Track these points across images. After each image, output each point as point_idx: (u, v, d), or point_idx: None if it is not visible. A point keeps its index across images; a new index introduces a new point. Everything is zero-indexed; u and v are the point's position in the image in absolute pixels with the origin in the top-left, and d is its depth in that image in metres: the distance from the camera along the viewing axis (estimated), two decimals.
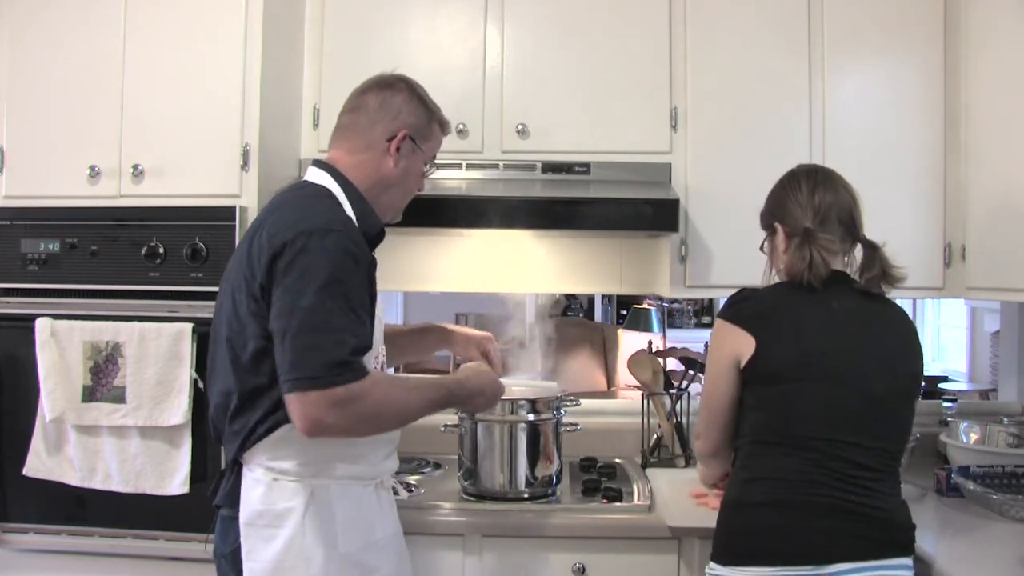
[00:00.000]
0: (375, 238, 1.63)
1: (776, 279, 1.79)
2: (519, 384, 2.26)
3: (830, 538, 1.54)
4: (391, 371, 2.20)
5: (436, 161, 1.78)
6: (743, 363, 1.64)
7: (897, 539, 1.59)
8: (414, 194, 1.77)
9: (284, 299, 1.43)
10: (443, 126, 1.77)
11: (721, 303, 1.77)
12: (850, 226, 1.73)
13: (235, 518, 1.54)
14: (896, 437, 1.66)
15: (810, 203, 1.71)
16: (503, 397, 2.14)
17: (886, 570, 1.54)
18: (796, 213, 1.72)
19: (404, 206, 1.76)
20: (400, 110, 1.67)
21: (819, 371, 1.61)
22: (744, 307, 1.70)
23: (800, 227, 1.70)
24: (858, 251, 1.74)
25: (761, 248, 1.85)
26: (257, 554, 1.52)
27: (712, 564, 1.64)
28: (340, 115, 1.72)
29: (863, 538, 1.55)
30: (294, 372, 1.39)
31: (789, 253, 1.71)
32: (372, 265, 1.55)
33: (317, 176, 1.63)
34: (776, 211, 1.78)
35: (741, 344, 1.65)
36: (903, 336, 1.71)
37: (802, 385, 1.60)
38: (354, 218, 1.58)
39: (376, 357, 1.64)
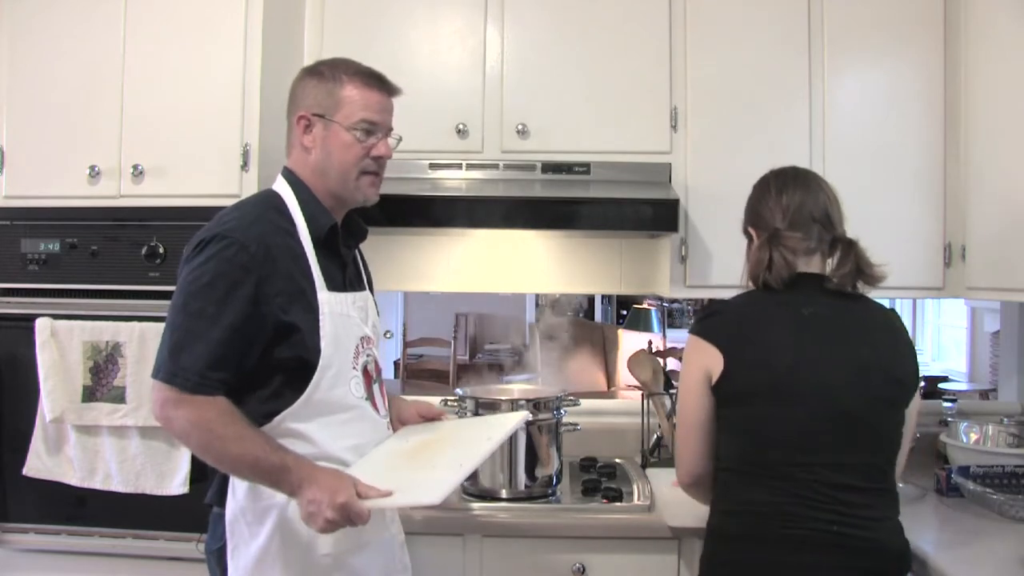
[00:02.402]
0: (328, 237, 1.62)
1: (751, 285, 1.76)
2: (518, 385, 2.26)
3: (813, 573, 1.48)
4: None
5: (368, 116, 1.62)
6: (714, 380, 1.59)
7: (888, 570, 1.53)
8: (370, 164, 1.64)
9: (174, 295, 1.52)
10: (356, 77, 1.64)
11: None
12: (827, 224, 1.67)
13: (223, 516, 1.54)
14: (880, 449, 1.57)
15: (778, 204, 1.68)
16: (502, 398, 2.15)
17: None
18: (767, 216, 1.69)
19: (368, 180, 1.66)
20: (298, 97, 1.67)
21: (787, 390, 1.54)
22: (713, 322, 1.65)
23: (771, 229, 1.67)
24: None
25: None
26: (240, 552, 1.52)
27: None
28: None
29: (851, 570, 1.49)
30: (156, 360, 1.48)
31: (752, 256, 1.69)
32: (287, 265, 1.53)
33: (278, 180, 1.67)
34: (750, 217, 1.75)
35: (711, 360, 1.60)
36: (885, 340, 1.63)
37: (770, 407, 1.54)
38: (301, 221, 1.59)
39: (356, 357, 1.61)
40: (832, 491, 1.50)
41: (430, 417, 1.83)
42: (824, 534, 1.48)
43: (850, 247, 1.66)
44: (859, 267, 1.64)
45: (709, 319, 1.66)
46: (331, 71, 1.65)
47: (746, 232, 1.78)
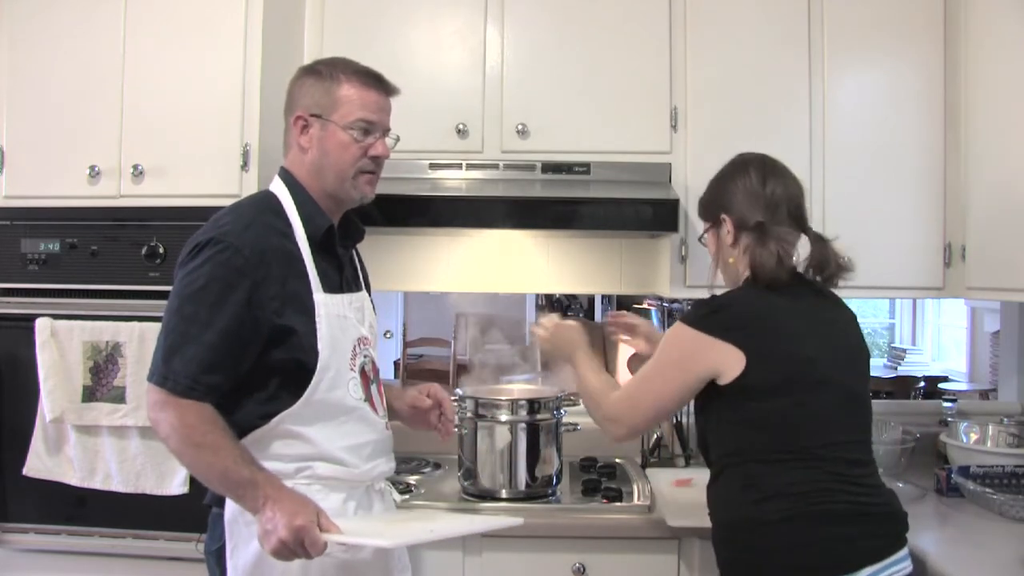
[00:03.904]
0: (325, 238, 1.62)
1: (720, 274, 1.76)
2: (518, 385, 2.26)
3: (854, 543, 1.52)
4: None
5: (366, 116, 1.62)
6: (727, 378, 1.57)
7: (901, 532, 1.59)
8: (367, 164, 1.64)
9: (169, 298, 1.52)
10: (354, 77, 1.63)
11: None
12: (799, 219, 1.69)
13: (222, 516, 1.54)
14: (869, 426, 1.68)
15: (762, 193, 1.66)
16: (502, 398, 2.16)
17: (898, 563, 1.54)
18: (746, 204, 1.67)
19: (366, 179, 1.65)
20: (295, 97, 1.66)
21: (813, 378, 1.58)
22: (722, 317, 1.60)
23: (751, 220, 1.66)
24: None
25: (700, 239, 1.83)
26: (239, 551, 1.51)
27: None
28: None
29: (880, 537, 1.54)
30: (151, 363, 1.49)
31: (750, 249, 1.65)
32: (281, 269, 1.53)
33: (274, 181, 1.67)
34: (723, 200, 1.71)
35: (723, 359, 1.56)
36: (857, 329, 1.73)
37: (801, 396, 1.56)
38: (297, 223, 1.59)
39: (353, 358, 1.61)
40: (853, 468, 1.58)
41: (423, 408, 1.83)
42: (856, 505, 1.54)
43: (825, 244, 1.68)
44: (838, 264, 1.68)
45: (717, 314, 1.61)
46: (329, 70, 1.65)
47: (713, 216, 1.74)
